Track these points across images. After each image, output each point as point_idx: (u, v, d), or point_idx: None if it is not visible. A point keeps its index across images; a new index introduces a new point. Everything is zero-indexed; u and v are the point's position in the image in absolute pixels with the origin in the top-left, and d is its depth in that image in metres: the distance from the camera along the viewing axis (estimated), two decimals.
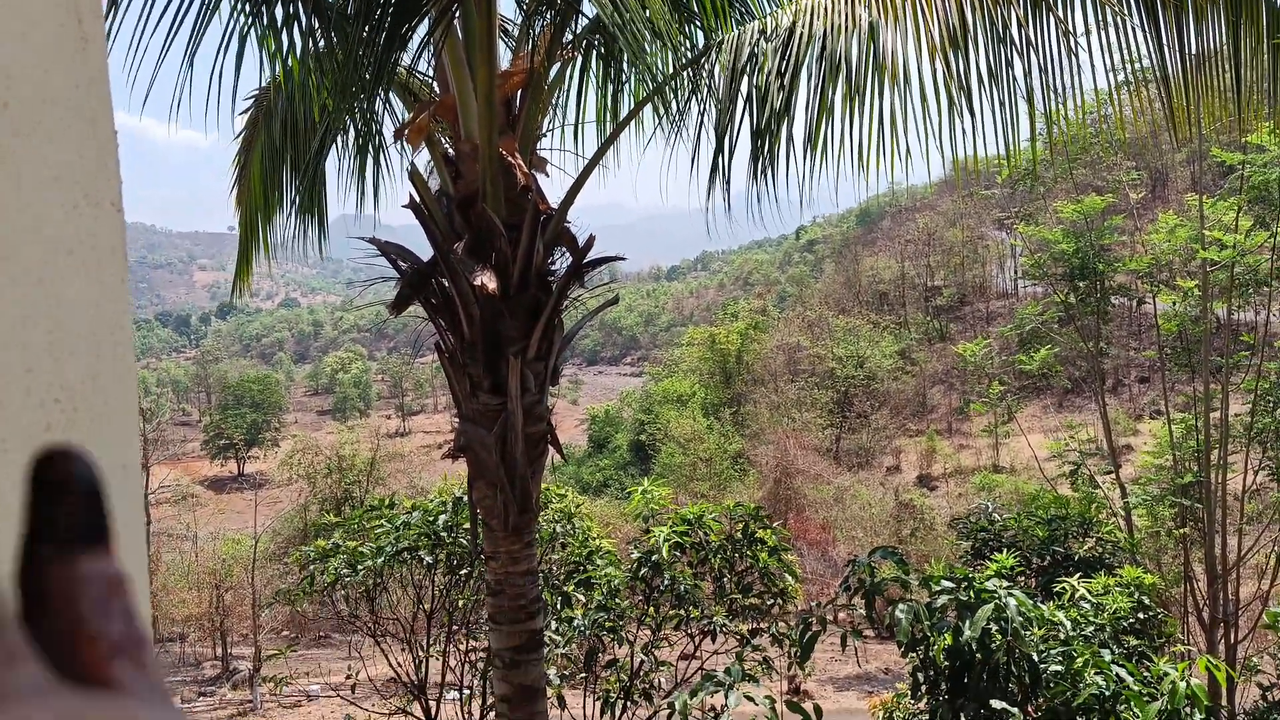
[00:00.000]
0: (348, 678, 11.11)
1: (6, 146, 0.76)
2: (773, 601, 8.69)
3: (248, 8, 5.34)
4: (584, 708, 9.14)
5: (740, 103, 5.69)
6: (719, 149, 5.82)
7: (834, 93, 5.45)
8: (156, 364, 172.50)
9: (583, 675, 8.89)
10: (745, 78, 5.65)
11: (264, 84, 7.33)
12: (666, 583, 8.58)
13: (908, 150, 5.36)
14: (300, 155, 7.05)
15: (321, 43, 5.65)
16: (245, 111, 7.59)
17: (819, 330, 63.78)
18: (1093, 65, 5.42)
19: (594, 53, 7.02)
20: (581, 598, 8.96)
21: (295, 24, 5.28)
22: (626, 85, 7.15)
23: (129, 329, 0.89)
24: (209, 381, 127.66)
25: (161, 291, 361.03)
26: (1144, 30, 5.53)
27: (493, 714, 7.04)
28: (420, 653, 9.92)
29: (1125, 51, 5.40)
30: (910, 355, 65.42)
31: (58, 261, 0.81)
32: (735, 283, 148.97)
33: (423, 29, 5.58)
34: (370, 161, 7.14)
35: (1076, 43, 5.30)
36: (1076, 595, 8.61)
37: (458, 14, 5.51)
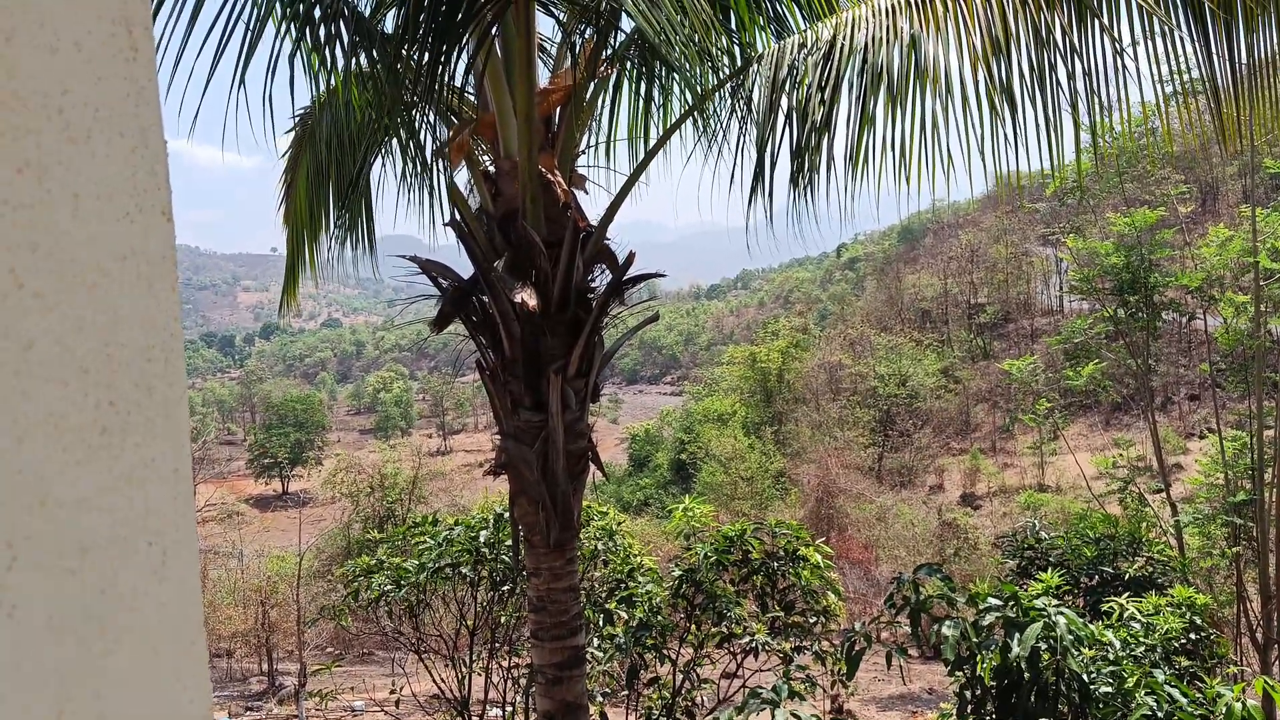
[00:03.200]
0: (391, 693, 11.14)
1: (60, 153, 0.77)
2: (815, 619, 8.63)
3: (293, 28, 5.40)
4: None
5: (780, 117, 5.67)
6: (759, 165, 5.80)
7: (875, 103, 5.42)
8: (202, 384, 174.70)
9: (625, 693, 8.86)
10: (785, 92, 5.63)
11: (309, 103, 7.38)
12: (708, 600, 8.54)
13: (950, 158, 5.32)
14: (345, 174, 7.11)
15: (364, 62, 5.71)
16: (290, 130, 7.66)
17: (861, 348, 63.41)
18: (1139, 77, 5.36)
19: (632, 68, 7.04)
20: (623, 615, 8.94)
21: (338, 42, 5.34)
22: (665, 101, 7.16)
23: (179, 334, 0.90)
24: (253, 401, 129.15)
25: (206, 313, 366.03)
26: (1193, 41, 5.46)
27: None
28: (463, 669, 9.93)
29: (1173, 62, 5.34)
30: (953, 373, 64.79)
31: (110, 268, 0.82)
32: (776, 301, 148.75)
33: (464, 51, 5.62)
34: (414, 181, 7.17)
35: (1123, 52, 5.24)
36: (1126, 615, 8.48)
37: (498, 34, 5.55)
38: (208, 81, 5.65)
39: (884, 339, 64.61)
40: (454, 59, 5.64)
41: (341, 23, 5.37)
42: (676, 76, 6.65)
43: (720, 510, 35.03)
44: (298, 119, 7.53)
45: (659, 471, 63.15)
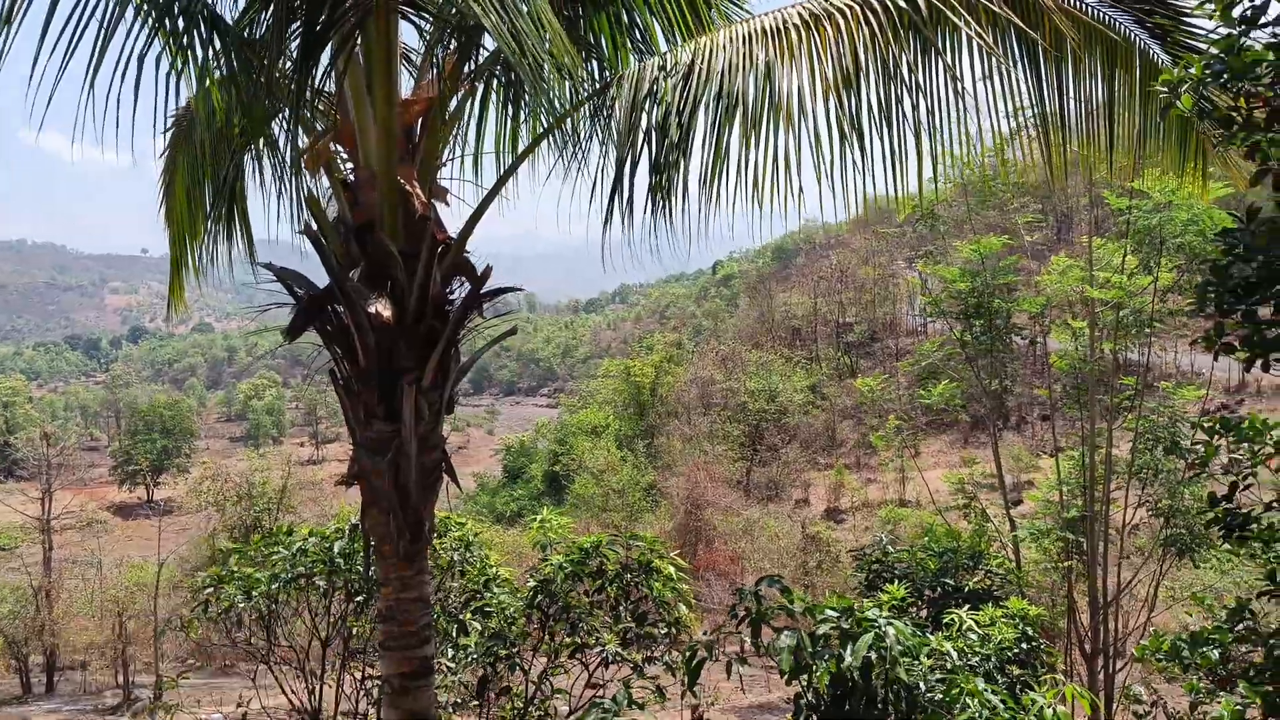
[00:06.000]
0: (239, 705, 10.93)
1: None
2: (668, 630, 8.77)
3: (149, 24, 5.29)
4: None
5: (640, 136, 5.77)
6: (617, 182, 5.89)
7: (730, 133, 5.56)
8: (64, 388, 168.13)
9: (476, 703, 8.87)
10: (645, 112, 5.74)
11: (184, 103, 7.21)
12: (561, 610, 8.62)
13: (801, 189, 5.51)
14: (219, 176, 6.99)
15: (223, 64, 5.64)
16: (168, 129, 7.48)
17: (732, 364, 64.21)
18: (978, 112, 5.64)
19: (495, 83, 7.10)
20: (478, 625, 8.96)
21: (195, 40, 5.26)
22: (532, 117, 7.24)
23: None
24: (118, 406, 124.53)
25: (71, 314, 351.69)
26: (1027, 81, 5.80)
27: None
28: (314, 680, 9.81)
29: (1012, 100, 5.66)
30: (821, 390, 66.09)
31: None
32: (652, 316, 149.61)
33: (324, 57, 5.61)
34: (281, 187, 7.10)
35: (963, 89, 5.52)
36: (964, 626, 8.83)
37: (359, 42, 5.56)
38: (58, 77, 5.51)
39: (755, 355, 65.55)
40: (314, 66, 5.63)
41: (200, 21, 5.30)
42: (538, 93, 6.73)
43: (591, 521, 35.14)
44: (173, 119, 7.36)
45: (533, 483, 63.12)
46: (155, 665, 29.36)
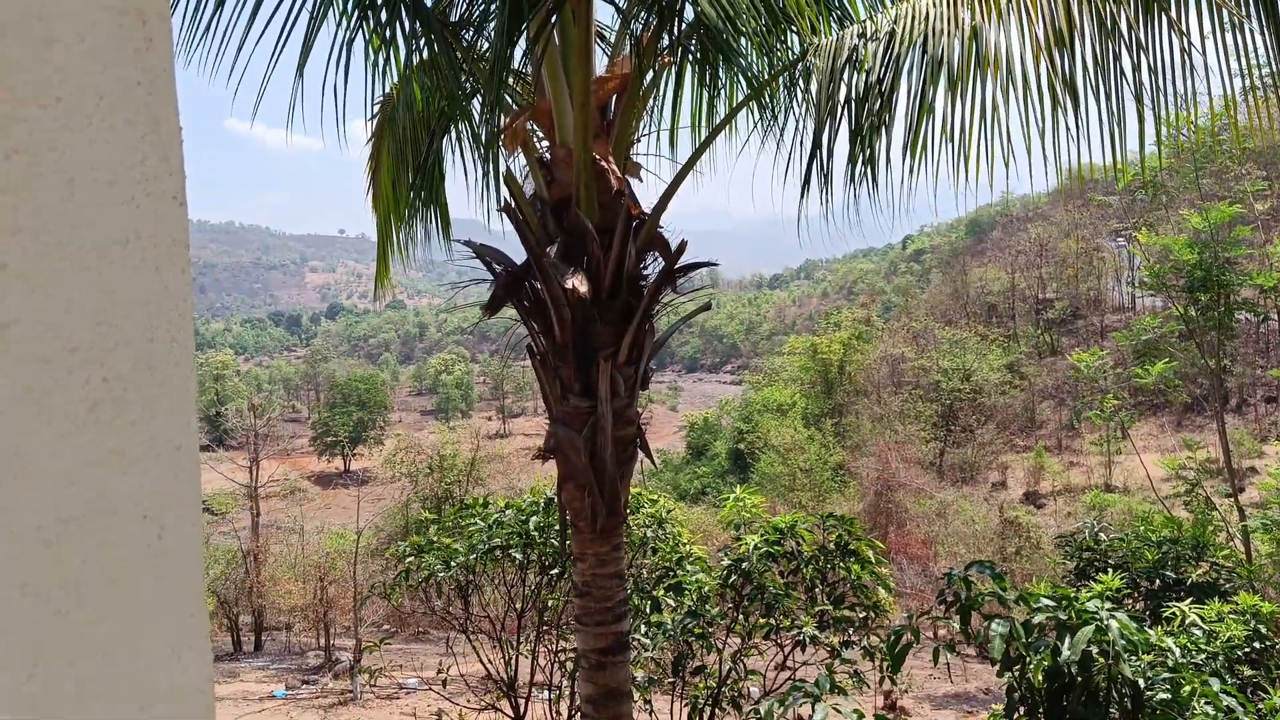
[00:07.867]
0: (439, 673, 11.30)
1: (55, 139, 0.79)
2: (865, 614, 8.58)
3: (355, 14, 5.45)
4: (672, 713, 9.13)
5: (839, 105, 5.62)
6: (814, 153, 5.75)
7: (935, 91, 5.34)
8: (269, 362, 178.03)
9: (671, 680, 8.88)
10: (844, 80, 5.58)
11: (387, 90, 7.42)
12: (756, 591, 8.53)
13: (1011, 147, 5.22)
14: (419, 159, 7.18)
15: (425, 51, 5.76)
16: (373, 117, 7.72)
17: (924, 341, 62.73)
18: (1208, 71, 5.23)
19: (690, 57, 7.02)
20: (671, 602, 8.97)
21: (397, 26, 5.38)
22: (722, 90, 7.14)
23: (188, 315, 0.92)
24: (318, 380, 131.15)
25: (275, 292, 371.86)
26: (1264, 34, 5.33)
27: (579, 715, 7.11)
28: (510, 650, 10.02)
29: (1245, 57, 5.22)
30: (1019, 369, 63.86)
31: (108, 251, 0.84)
32: (839, 292, 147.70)
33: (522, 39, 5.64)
34: (477, 167, 7.22)
35: (1191, 45, 5.12)
36: (1187, 621, 8.32)
37: (556, 22, 5.56)
38: (270, 68, 5.75)
39: (948, 332, 63.82)
40: (514, 46, 5.67)
41: (402, 8, 5.41)
42: (736, 65, 6.64)
43: (778, 501, 34.92)
44: (379, 105, 7.58)
45: (717, 460, 63.11)
46: (354, 629, 30.69)
